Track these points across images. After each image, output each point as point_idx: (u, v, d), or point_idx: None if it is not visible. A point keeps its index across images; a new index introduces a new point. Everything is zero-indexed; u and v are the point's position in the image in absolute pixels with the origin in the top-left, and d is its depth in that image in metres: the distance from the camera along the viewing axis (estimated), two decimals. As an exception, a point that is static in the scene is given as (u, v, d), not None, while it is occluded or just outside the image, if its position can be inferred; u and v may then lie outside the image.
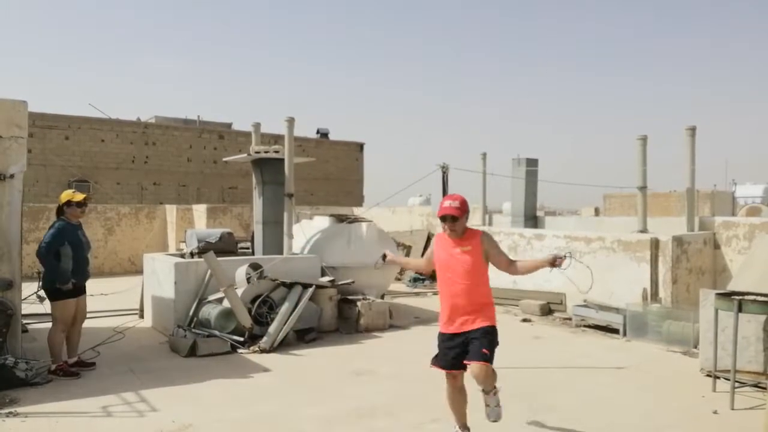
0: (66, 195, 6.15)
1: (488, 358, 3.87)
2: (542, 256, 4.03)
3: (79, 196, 6.15)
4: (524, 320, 8.72)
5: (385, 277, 9.63)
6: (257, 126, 10.24)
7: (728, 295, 5.34)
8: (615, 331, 7.78)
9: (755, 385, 5.41)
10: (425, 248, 13.88)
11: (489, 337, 3.95)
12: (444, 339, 4.12)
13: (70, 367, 5.95)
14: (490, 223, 13.16)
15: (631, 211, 15.83)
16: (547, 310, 9.12)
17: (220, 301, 7.22)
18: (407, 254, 13.68)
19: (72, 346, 6.13)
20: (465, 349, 3.95)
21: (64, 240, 5.91)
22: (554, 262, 3.96)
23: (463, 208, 4.08)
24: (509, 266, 4.12)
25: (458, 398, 4.17)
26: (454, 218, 4.05)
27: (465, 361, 3.91)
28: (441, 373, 4.12)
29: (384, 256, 4.71)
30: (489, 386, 3.95)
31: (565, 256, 3.94)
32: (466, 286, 4.00)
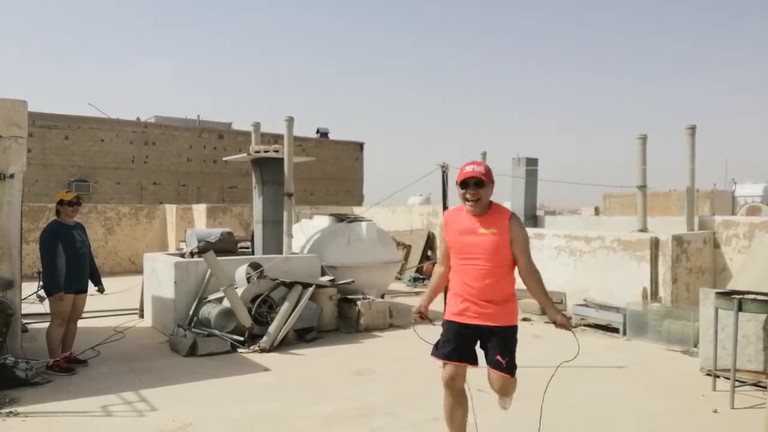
0: (59, 195, 6.31)
1: (512, 370, 3.46)
2: (554, 311, 3.49)
3: (69, 195, 6.22)
4: (524, 319, 8.72)
5: (385, 276, 9.63)
6: (257, 125, 10.24)
7: (728, 294, 5.34)
8: (615, 330, 7.78)
9: (755, 384, 5.41)
10: (425, 248, 13.87)
11: (511, 341, 3.47)
12: (451, 326, 3.52)
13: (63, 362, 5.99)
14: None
15: (631, 211, 15.82)
16: (547, 310, 9.12)
17: (220, 300, 7.22)
18: (407, 254, 13.67)
19: (66, 342, 6.18)
20: (474, 342, 3.46)
21: (57, 240, 5.95)
22: (562, 324, 3.46)
23: (489, 175, 3.38)
24: (527, 270, 3.44)
25: (458, 412, 3.57)
26: (479, 183, 3.33)
27: (490, 369, 3.45)
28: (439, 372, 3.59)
29: (420, 315, 3.73)
30: (508, 396, 3.64)
31: (568, 328, 3.46)
32: (489, 276, 3.37)
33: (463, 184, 3.37)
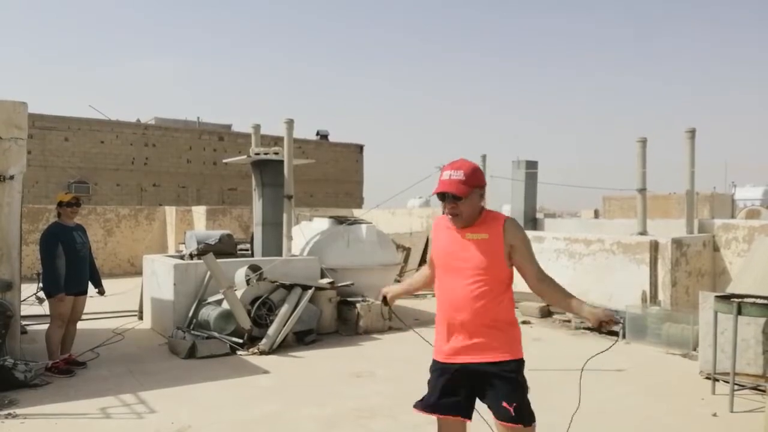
0: (58, 196, 6.33)
1: (525, 418, 2.66)
2: (587, 308, 2.69)
3: (67, 196, 6.25)
4: (524, 322, 8.72)
5: (385, 278, 9.63)
6: (257, 127, 10.24)
7: (727, 298, 5.34)
8: (614, 333, 7.76)
9: (754, 388, 5.41)
10: (425, 250, 13.87)
11: (517, 379, 2.71)
12: (437, 369, 2.83)
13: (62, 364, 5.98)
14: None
15: (631, 214, 15.84)
16: (546, 312, 9.12)
17: (219, 302, 7.22)
18: (406, 256, 13.67)
19: (65, 344, 6.18)
20: (469, 389, 2.76)
21: (57, 241, 5.96)
22: (600, 325, 2.63)
23: (471, 182, 2.70)
24: (538, 281, 2.77)
25: None
26: (456, 198, 2.69)
27: (495, 419, 2.71)
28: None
29: (385, 299, 3.30)
30: None
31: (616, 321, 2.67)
32: (481, 293, 2.69)
33: (440, 196, 2.75)
